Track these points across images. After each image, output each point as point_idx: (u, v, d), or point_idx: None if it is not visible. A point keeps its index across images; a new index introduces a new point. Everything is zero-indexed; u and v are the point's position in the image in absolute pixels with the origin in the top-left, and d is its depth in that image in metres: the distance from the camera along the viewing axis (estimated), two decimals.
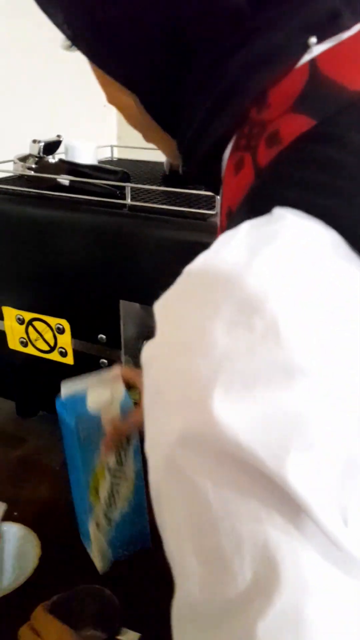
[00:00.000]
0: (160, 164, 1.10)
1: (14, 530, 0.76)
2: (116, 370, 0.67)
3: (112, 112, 2.10)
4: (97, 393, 0.64)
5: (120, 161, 1.16)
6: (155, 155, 1.12)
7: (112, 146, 1.17)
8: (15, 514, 0.81)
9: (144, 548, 0.73)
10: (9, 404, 1.09)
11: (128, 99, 0.38)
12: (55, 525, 0.81)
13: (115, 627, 0.60)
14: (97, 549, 0.71)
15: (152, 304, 1.02)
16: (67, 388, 0.66)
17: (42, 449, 1.02)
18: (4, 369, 1.01)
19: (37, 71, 1.48)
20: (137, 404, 0.67)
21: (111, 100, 0.41)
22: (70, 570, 0.74)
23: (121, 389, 0.66)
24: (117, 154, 1.19)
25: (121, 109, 0.41)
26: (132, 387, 0.68)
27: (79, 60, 0.41)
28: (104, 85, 0.40)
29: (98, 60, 0.38)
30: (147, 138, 0.43)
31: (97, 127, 1.87)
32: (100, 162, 1.04)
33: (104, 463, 0.67)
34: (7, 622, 0.67)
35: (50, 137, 0.90)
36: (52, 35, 0.41)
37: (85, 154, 0.95)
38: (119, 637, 0.60)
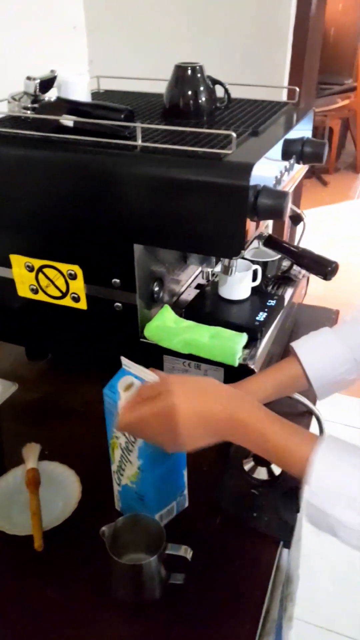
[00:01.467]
0: (152, 94, 1.06)
1: (52, 468, 0.81)
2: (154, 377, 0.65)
3: (82, 35, 1.98)
4: (129, 378, 0.65)
5: (108, 93, 1.11)
6: (140, 85, 1.08)
7: (98, 77, 1.11)
8: (46, 452, 0.85)
9: None
10: (18, 349, 1.10)
11: None
12: (89, 461, 0.86)
13: (163, 546, 0.65)
14: (115, 490, 0.77)
15: (167, 246, 1.03)
16: (126, 363, 0.68)
17: (57, 392, 1.05)
18: (14, 315, 1.01)
19: None
20: None
21: None
22: (110, 501, 0.80)
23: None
24: (103, 85, 1.14)
25: None
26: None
27: None
28: None
29: None
30: None
31: (66, 51, 1.75)
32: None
33: (115, 438, 0.71)
34: (59, 549, 0.73)
35: (44, 73, 0.86)
36: None
37: (80, 89, 0.91)
38: (167, 552, 0.65)
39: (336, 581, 1.59)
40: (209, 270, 1.05)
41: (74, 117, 0.79)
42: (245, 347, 0.90)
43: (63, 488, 0.78)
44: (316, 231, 3.63)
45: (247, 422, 0.55)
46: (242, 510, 0.77)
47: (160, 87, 0.94)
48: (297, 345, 0.78)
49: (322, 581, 1.58)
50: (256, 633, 0.66)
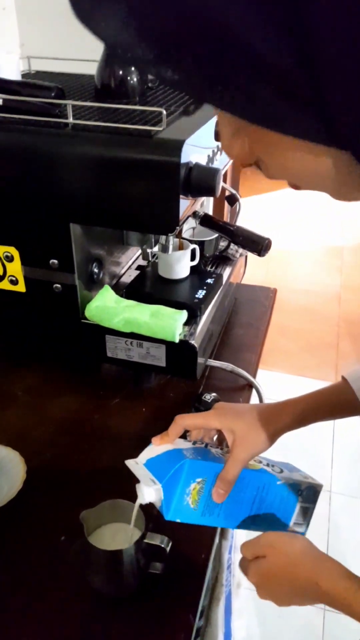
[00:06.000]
0: (84, 76, 1.06)
1: None
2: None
3: (12, 16, 1.93)
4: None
5: (39, 74, 1.10)
6: (72, 66, 1.07)
7: (29, 57, 1.09)
8: None
9: None
10: None
11: (322, 162, 0.31)
12: (33, 444, 0.86)
13: (142, 533, 0.64)
14: None
15: (103, 224, 1.02)
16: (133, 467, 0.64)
17: None
18: None
19: None
20: None
21: (283, 171, 0.33)
22: (55, 483, 0.80)
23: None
24: (33, 66, 1.12)
25: (305, 176, 0.33)
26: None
27: None
28: (271, 153, 0.32)
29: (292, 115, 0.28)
30: (343, 197, 0.35)
31: None
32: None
33: None
34: (5, 530, 0.73)
35: None
36: None
37: (9, 68, 0.89)
38: (146, 541, 0.64)
39: None
40: (149, 250, 1.06)
41: (3, 95, 0.78)
42: (186, 324, 0.92)
43: (7, 470, 0.78)
44: (257, 218, 3.70)
45: (330, 594, 0.56)
46: None
47: (93, 70, 0.93)
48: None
49: None
50: (200, 596, 0.68)
